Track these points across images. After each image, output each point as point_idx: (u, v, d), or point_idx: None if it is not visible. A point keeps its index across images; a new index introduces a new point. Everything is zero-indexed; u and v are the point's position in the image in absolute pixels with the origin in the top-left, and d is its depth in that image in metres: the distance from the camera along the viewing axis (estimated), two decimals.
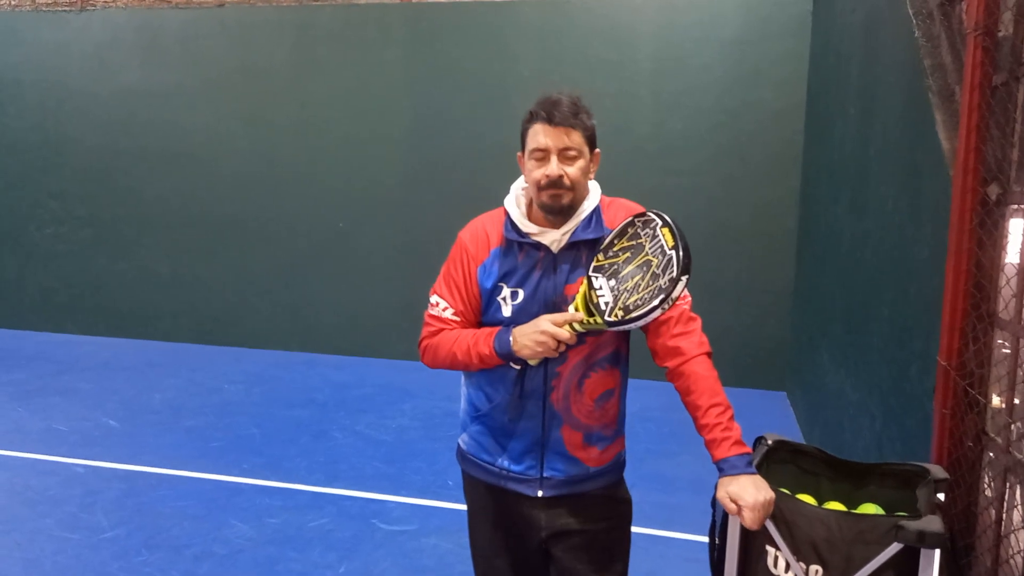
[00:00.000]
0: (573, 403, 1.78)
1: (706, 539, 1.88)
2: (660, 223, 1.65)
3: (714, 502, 1.79)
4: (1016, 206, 1.79)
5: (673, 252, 1.59)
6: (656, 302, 1.55)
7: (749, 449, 1.66)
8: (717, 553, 1.74)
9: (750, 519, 1.53)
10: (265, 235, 7.37)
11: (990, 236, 1.83)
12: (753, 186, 6.28)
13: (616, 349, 1.82)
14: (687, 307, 1.78)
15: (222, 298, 7.53)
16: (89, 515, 3.73)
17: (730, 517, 1.66)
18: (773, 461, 1.85)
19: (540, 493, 1.82)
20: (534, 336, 1.66)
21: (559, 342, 1.66)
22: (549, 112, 1.70)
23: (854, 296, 3.75)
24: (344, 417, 5.37)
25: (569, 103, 1.72)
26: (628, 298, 1.60)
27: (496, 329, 1.76)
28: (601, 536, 1.85)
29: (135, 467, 4.35)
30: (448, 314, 1.85)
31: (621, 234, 1.70)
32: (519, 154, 1.80)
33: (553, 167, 1.70)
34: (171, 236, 7.59)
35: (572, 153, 1.71)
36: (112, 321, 7.82)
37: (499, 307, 1.80)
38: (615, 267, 1.67)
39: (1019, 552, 1.66)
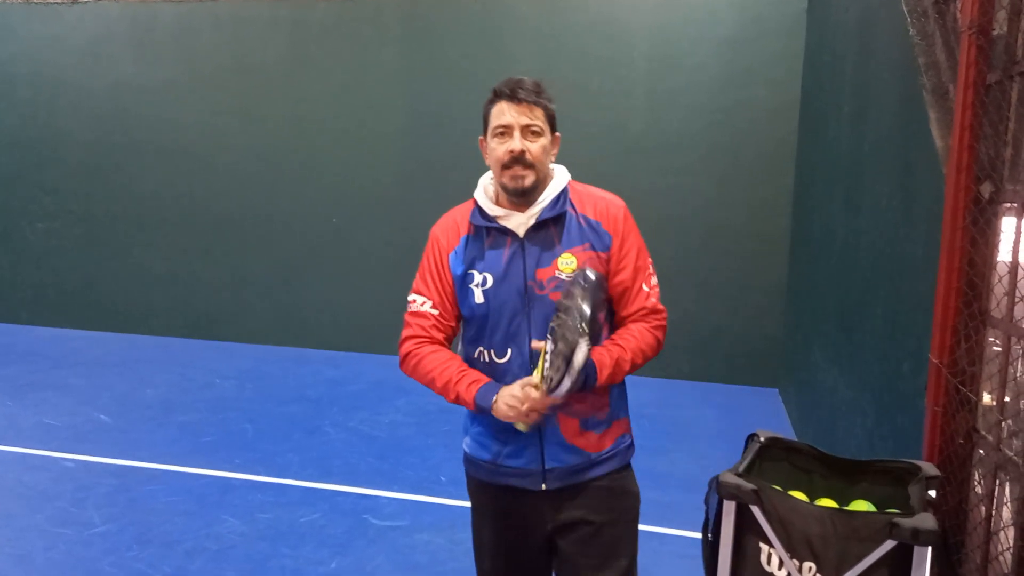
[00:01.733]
0: None
1: (699, 535, 1.88)
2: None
3: (707, 499, 1.80)
4: (1009, 204, 1.79)
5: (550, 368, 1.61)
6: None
7: (600, 364, 1.72)
8: (710, 550, 1.74)
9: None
10: (260, 231, 7.35)
11: (983, 234, 1.83)
12: (748, 184, 6.29)
13: (600, 331, 1.82)
14: (655, 299, 1.84)
15: (216, 294, 7.51)
16: (80, 510, 3.71)
17: (723, 515, 1.66)
18: (766, 458, 1.85)
19: (544, 486, 1.81)
20: (506, 403, 1.67)
21: (532, 410, 1.66)
22: (512, 89, 1.76)
23: (847, 294, 3.76)
24: (337, 413, 5.36)
25: (532, 82, 1.78)
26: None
27: (483, 380, 1.76)
28: (606, 529, 1.84)
29: (127, 462, 4.34)
30: (427, 308, 1.86)
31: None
32: (480, 138, 1.84)
33: (516, 142, 1.73)
34: (165, 232, 7.56)
35: (535, 129, 1.75)
36: (105, 317, 7.79)
37: (472, 294, 1.81)
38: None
39: (1008, 548, 1.67)
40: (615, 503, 1.86)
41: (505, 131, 1.75)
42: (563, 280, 1.75)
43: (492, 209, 1.81)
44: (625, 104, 6.37)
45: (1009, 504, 1.73)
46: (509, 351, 1.79)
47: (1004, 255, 1.82)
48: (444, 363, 1.81)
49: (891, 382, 2.75)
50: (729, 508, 1.64)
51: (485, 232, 1.82)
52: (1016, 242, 1.74)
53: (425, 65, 6.86)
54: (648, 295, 1.83)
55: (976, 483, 1.88)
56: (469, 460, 1.95)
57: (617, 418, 1.89)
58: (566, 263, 1.77)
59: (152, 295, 7.67)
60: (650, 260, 1.87)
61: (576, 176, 1.89)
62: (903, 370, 2.58)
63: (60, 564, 3.21)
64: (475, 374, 1.78)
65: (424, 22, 6.85)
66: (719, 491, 1.65)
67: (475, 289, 1.80)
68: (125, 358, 6.80)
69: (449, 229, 1.88)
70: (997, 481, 1.77)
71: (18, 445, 4.57)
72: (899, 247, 2.77)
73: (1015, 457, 1.70)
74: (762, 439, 1.86)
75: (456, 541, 3.47)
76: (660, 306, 1.85)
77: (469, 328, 1.87)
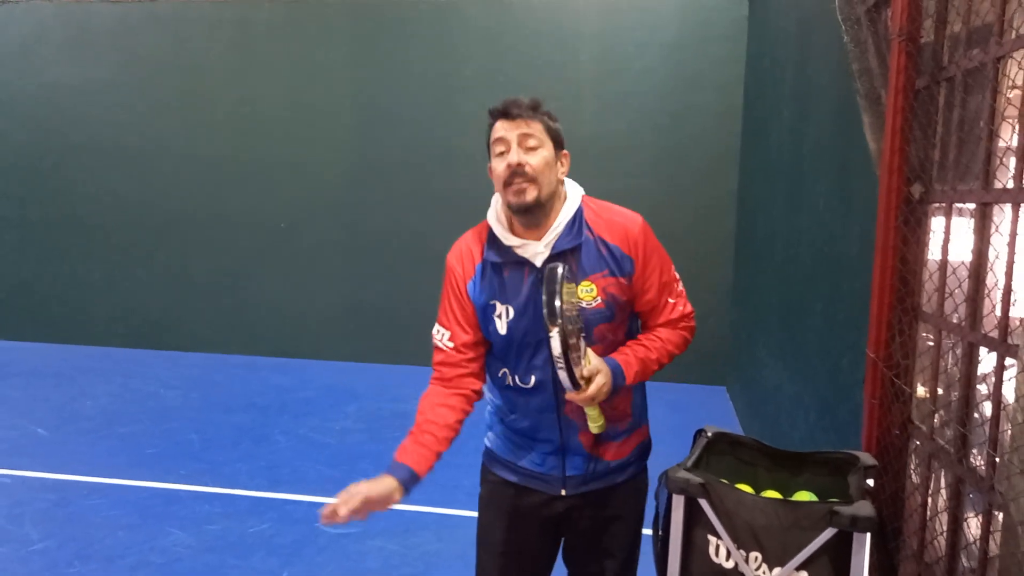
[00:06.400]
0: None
1: (650, 531, 1.91)
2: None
3: (657, 494, 1.83)
4: (938, 204, 1.87)
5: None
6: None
7: (626, 363, 1.73)
8: (661, 544, 1.77)
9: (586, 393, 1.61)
10: (204, 235, 7.19)
11: (914, 233, 1.91)
12: (694, 187, 6.42)
13: (616, 347, 1.82)
14: (682, 307, 1.86)
15: (158, 301, 7.31)
16: (17, 527, 3.57)
17: (673, 509, 1.70)
18: (713, 453, 1.89)
19: (563, 492, 1.84)
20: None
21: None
22: (506, 107, 1.71)
23: (789, 292, 3.86)
24: (287, 421, 5.28)
25: (528, 100, 1.73)
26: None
27: (402, 453, 1.77)
28: (615, 523, 1.89)
29: (66, 476, 4.19)
30: (444, 341, 1.83)
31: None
32: (489, 166, 1.78)
33: (513, 155, 1.68)
34: (104, 237, 7.34)
35: (533, 143, 1.69)
36: (41, 326, 7.51)
37: (495, 324, 1.79)
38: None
39: (942, 534, 1.74)
40: (627, 501, 1.90)
41: (503, 147, 1.70)
42: (584, 308, 1.73)
43: (507, 239, 1.76)
44: (573, 108, 6.42)
45: (943, 491, 1.81)
46: (533, 378, 1.78)
47: (934, 253, 1.90)
48: (417, 417, 1.83)
49: (831, 376, 2.84)
50: (678, 502, 1.67)
51: (501, 265, 1.78)
52: (945, 240, 1.82)
53: (373, 66, 6.82)
54: (675, 306, 1.85)
55: (912, 471, 1.96)
56: (490, 455, 1.94)
57: (638, 426, 1.91)
58: (586, 291, 1.74)
59: (91, 303, 7.42)
60: (674, 271, 1.88)
61: None
62: (842, 364, 2.67)
63: None
64: (407, 445, 1.79)
65: (372, 23, 6.81)
66: (668, 486, 1.68)
67: (497, 320, 1.78)
68: (63, 369, 6.56)
69: (464, 257, 1.84)
70: (931, 470, 1.85)
71: None
72: (837, 246, 2.87)
73: (947, 446, 1.77)
74: (709, 434, 1.90)
75: (409, 546, 3.45)
76: (688, 309, 1.88)
77: (495, 349, 1.85)
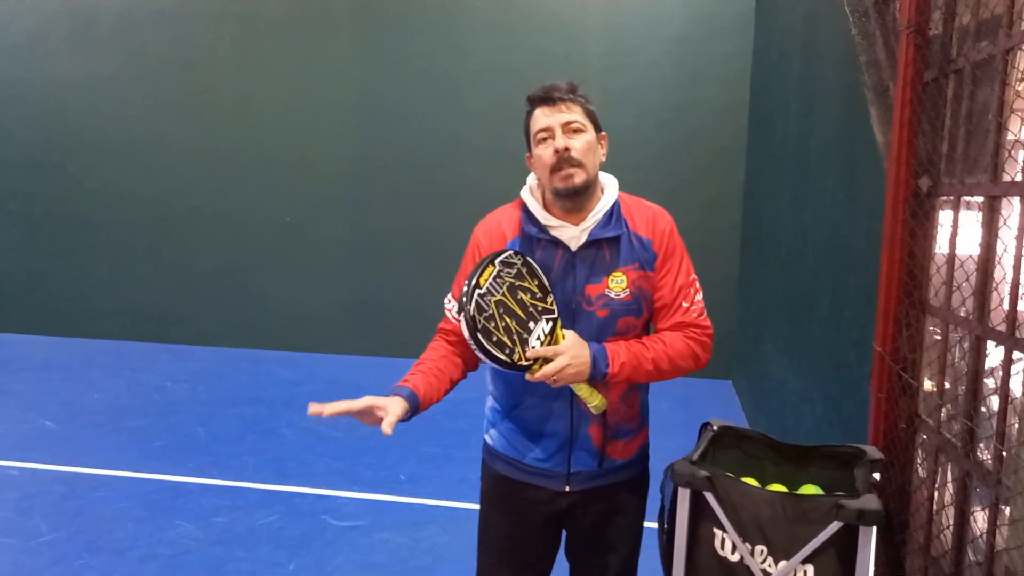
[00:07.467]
0: None
1: (655, 525, 1.91)
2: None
3: (663, 487, 1.83)
4: (945, 197, 1.87)
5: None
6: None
7: (614, 352, 1.71)
8: (666, 537, 1.77)
9: (554, 367, 1.62)
10: (210, 230, 7.21)
11: (922, 226, 1.90)
12: (700, 181, 6.40)
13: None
14: (695, 315, 1.80)
15: (165, 295, 7.34)
16: (26, 519, 3.59)
17: (679, 503, 1.70)
18: (719, 446, 1.89)
19: (567, 488, 1.83)
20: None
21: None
22: (546, 92, 1.72)
23: (796, 287, 3.85)
24: (293, 414, 5.30)
25: (565, 83, 1.74)
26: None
27: (406, 380, 1.75)
28: (617, 519, 1.89)
29: (74, 469, 4.21)
30: (456, 312, 1.80)
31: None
32: (527, 155, 1.80)
33: (559, 140, 1.68)
34: (110, 231, 7.37)
35: (576, 126, 1.70)
36: (49, 320, 7.55)
37: None
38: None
39: (948, 527, 1.74)
40: (629, 498, 1.90)
41: (547, 134, 1.71)
42: (612, 299, 1.74)
43: (544, 217, 1.76)
44: None
45: (950, 485, 1.80)
46: None
47: (942, 246, 1.89)
48: (420, 359, 1.81)
49: (838, 371, 2.84)
50: (684, 495, 1.67)
51: (536, 242, 1.77)
52: (953, 234, 1.81)
53: (377, 61, 6.81)
54: (688, 310, 1.79)
55: (918, 465, 1.95)
56: (491, 452, 1.93)
57: (643, 426, 1.92)
58: (616, 282, 1.75)
59: (98, 297, 7.45)
60: (694, 277, 1.84)
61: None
62: (849, 359, 2.66)
63: (5, 575, 3.10)
64: (412, 374, 1.77)
65: (376, 17, 6.80)
66: (674, 479, 1.69)
67: None
68: (71, 363, 6.59)
69: (493, 233, 1.82)
70: (938, 463, 1.85)
71: None
72: (844, 240, 2.86)
73: (954, 440, 1.77)
74: (715, 428, 1.90)
75: (416, 539, 3.46)
76: (702, 321, 1.80)
77: None
